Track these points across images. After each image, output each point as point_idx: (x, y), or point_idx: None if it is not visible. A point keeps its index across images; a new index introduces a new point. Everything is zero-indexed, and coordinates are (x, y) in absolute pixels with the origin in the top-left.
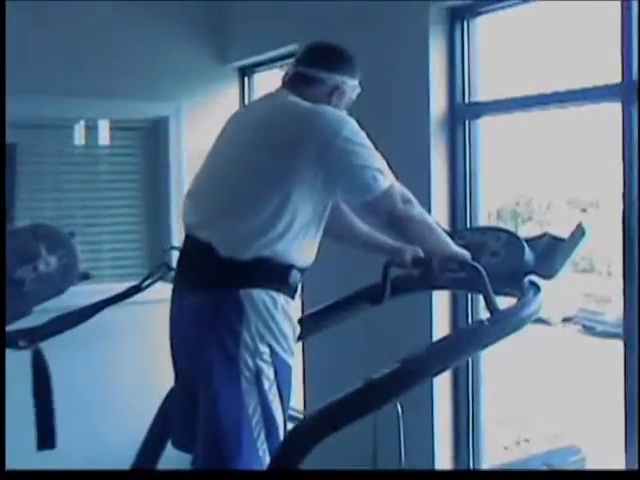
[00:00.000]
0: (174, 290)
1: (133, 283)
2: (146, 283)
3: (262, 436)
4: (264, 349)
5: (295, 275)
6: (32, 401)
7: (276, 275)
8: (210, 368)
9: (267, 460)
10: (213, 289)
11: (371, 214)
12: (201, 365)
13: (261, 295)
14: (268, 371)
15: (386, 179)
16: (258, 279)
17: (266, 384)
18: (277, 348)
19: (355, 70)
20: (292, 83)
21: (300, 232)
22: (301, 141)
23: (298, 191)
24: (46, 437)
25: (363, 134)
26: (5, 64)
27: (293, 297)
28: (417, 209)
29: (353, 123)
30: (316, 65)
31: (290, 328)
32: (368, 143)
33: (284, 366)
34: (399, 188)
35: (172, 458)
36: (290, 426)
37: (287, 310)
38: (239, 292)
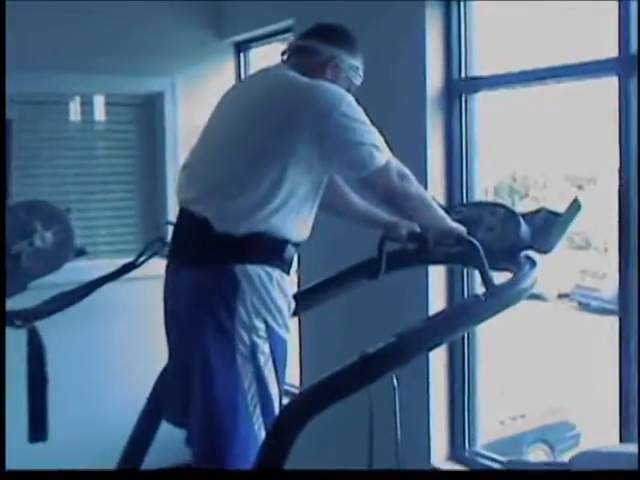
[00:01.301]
0: (168, 266)
1: (129, 259)
2: (141, 259)
3: (258, 411)
4: (260, 324)
5: (290, 250)
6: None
7: (271, 250)
8: (205, 344)
9: (263, 435)
10: (208, 265)
11: (367, 190)
12: (197, 341)
13: (257, 270)
14: (264, 346)
15: (382, 155)
16: (253, 254)
17: (261, 359)
18: (272, 323)
19: (355, 49)
20: (289, 57)
21: (296, 207)
22: (297, 116)
23: (294, 166)
24: (38, 429)
25: (360, 110)
26: (5, 61)
27: (288, 272)
28: (414, 185)
29: (350, 98)
30: (314, 38)
31: (285, 303)
32: (365, 119)
33: (280, 341)
34: (396, 164)
35: (166, 434)
36: (286, 401)
37: (282, 285)
38: (234, 267)
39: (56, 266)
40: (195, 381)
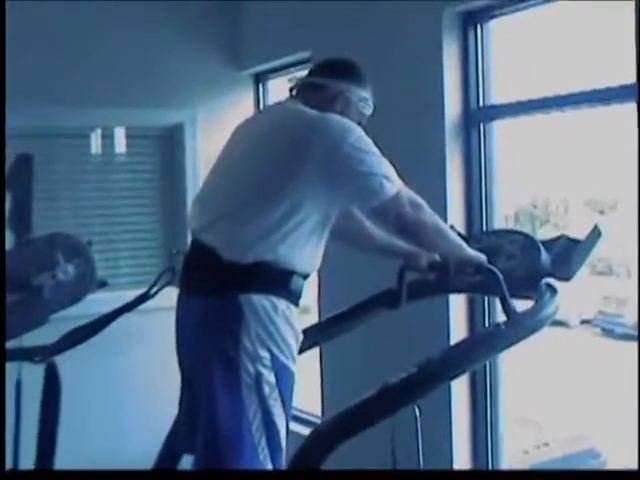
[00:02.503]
0: (179, 295)
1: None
2: (153, 290)
3: (263, 441)
4: (264, 354)
5: (297, 281)
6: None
7: (277, 280)
8: (210, 373)
9: (268, 464)
10: (213, 294)
11: (380, 220)
12: (202, 370)
13: (261, 300)
14: (269, 376)
15: (393, 185)
16: (258, 284)
17: (266, 389)
18: (278, 353)
19: (363, 81)
20: (299, 92)
21: (303, 237)
22: (306, 147)
23: (302, 197)
24: (45, 461)
25: (369, 141)
26: (5, 66)
27: (296, 304)
28: (427, 214)
29: (359, 130)
30: (322, 74)
31: (292, 335)
32: (374, 149)
33: (285, 371)
34: (407, 193)
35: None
36: (305, 430)
37: (288, 316)
38: (239, 297)
39: (78, 298)
40: (201, 410)
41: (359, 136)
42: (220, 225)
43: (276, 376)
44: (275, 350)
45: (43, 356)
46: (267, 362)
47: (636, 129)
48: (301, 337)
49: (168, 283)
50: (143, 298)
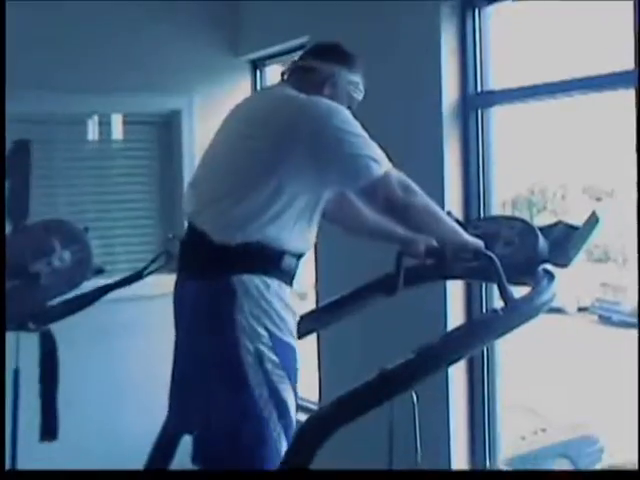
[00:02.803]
0: (176, 279)
1: (147, 277)
2: (147, 270)
3: (274, 418)
4: (262, 332)
5: (289, 261)
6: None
7: (268, 260)
8: (211, 356)
9: (283, 441)
10: (206, 277)
11: (369, 202)
12: (202, 353)
13: (253, 280)
14: (269, 353)
15: (380, 166)
16: (250, 264)
17: (269, 366)
18: (275, 330)
19: (353, 65)
20: (289, 76)
21: (292, 218)
22: (292, 129)
23: (290, 178)
24: (48, 429)
25: (355, 122)
26: (5, 65)
27: (289, 283)
28: (418, 197)
29: (345, 112)
30: (312, 57)
31: (288, 312)
32: (360, 131)
33: (285, 347)
34: (396, 175)
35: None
36: (303, 417)
37: (281, 295)
38: (231, 278)
39: (74, 285)
40: (202, 392)
41: (345, 118)
42: (210, 208)
43: (277, 353)
44: (272, 327)
45: (38, 324)
46: (266, 340)
47: (634, 115)
48: (297, 315)
49: (162, 266)
50: (136, 277)
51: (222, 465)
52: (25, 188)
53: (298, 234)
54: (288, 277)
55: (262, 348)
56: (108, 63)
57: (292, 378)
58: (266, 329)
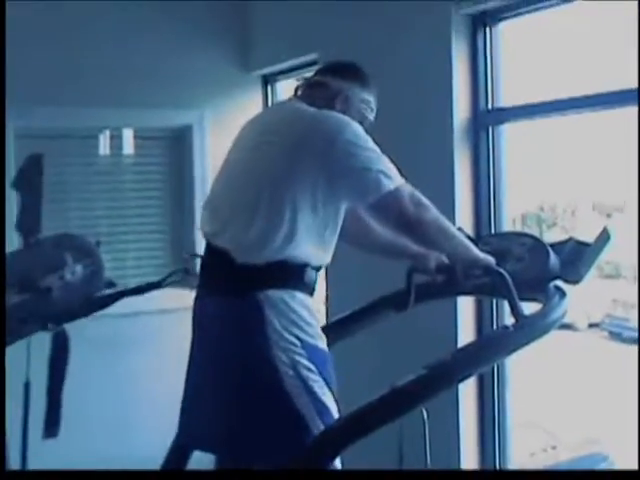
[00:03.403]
0: (196, 298)
1: (157, 291)
2: (166, 282)
3: (319, 424)
4: (294, 341)
5: (310, 273)
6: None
7: (291, 275)
8: (245, 372)
9: None
10: (232, 295)
11: (380, 217)
12: (232, 370)
13: (279, 294)
14: (304, 361)
15: (391, 181)
16: (274, 280)
17: (305, 373)
18: (305, 337)
19: (367, 84)
20: (302, 91)
21: (311, 234)
22: (303, 143)
23: (303, 194)
24: (51, 426)
25: (366, 137)
26: (5, 66)
27: (311, 295)
28: (430, 212)
29: (355, 126)
30: (325, 74)
31: (312, 317)
32: (371, 146)
33: (317, 352)
34: (408, 190)
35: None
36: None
37: (306, 303)
38: (257, 294)
39: (86, 299)
40: (238, 409)
41: (356, 131)
42: (229, 229)
43: (311, 359)
44: (302, 335)
45: (55, 324)
46: (298, 348)
47: (637, 134)
48: (318, 321)
49: (177, 282)
50: (153, 285)
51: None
52: (37, 203)
53: (318, 248)
54: (310, 289)
55: (296, 357)
56: (120, 78)
57: (329, 380)
58: (297, 338)
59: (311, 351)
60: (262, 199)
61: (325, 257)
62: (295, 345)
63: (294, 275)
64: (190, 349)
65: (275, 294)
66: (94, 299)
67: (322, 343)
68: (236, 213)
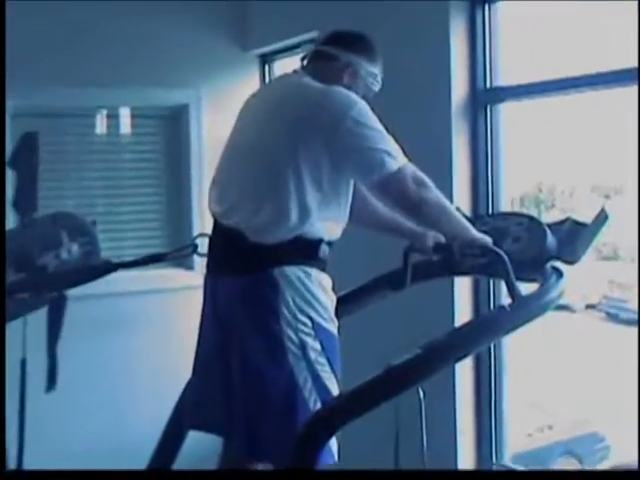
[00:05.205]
0: (207, 276)
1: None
2: (170, 255)
3: (318, 407)
4: (305, 320)
5: (324, 248)
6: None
7: (306, 250)
8: (253, 349)
9: None
10: (247, 272)
11: (382, 196)
12: (243, 347)
13: (294, 271)
14: (313, 343)
15: (395, 161)
16: (289, 256)
17: (312, 355)
18: (318, 319)
19: (374, 56)
20: (307, 63)
21: (323, 210)
22: (309, 121)
23: (310, 171)
24: (50, 380)
25: (372, 116)
26: (5, 64)
27: (324, 270)
28: (432, 192)
29: (362, 104)
30: (332, 44)
31: (327, 298)
32: (377, 125)
33: (328, 335)
34: (411, 170)
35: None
36: None
37: (322, 281)
38: (273, 271)
39: (82, 277)
40: (244, 386)
41: (362, 110)
42: (239, 209)
43: (320, 341)
44: (315, 316)
45: (56, 290)
46: (309, 329)
47: (637, 114)
48: (334, 298)
49: (185, 255)
50: (159, 257)
51: (268, 457)
52: (33, 181)
53: (329, 223)
54: (324, 264)
55: (305, 337)
56: (116, 57)
57: (334, 365)
58: (309, 318)
59: (321, 333)
60: (269, 177)
61: (338, 231)
62: (306, 325)
63: (309, 251)
64: (200, 327)
65: (291, 270)
66: (96, 267)
67: (333, 327)
68: (245, 193)
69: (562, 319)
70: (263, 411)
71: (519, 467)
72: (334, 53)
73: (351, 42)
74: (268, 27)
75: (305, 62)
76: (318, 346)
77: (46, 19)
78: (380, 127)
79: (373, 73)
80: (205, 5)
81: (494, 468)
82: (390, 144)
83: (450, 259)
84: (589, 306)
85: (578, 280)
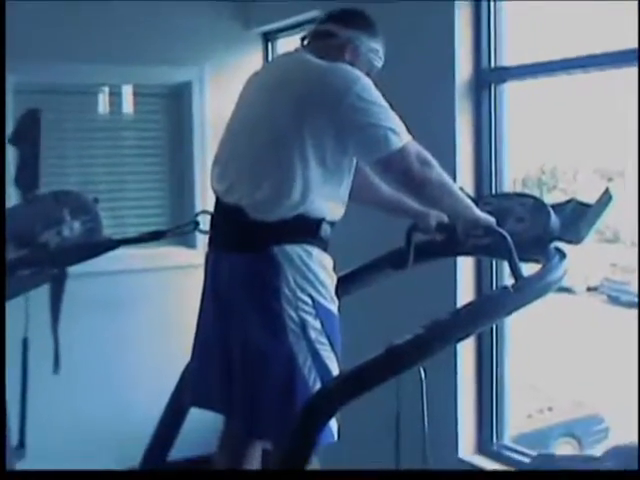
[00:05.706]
0: (208, 253)
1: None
2: (171, 232)
3: (318, 385)
4: (306, 299)
5: (326, 228)
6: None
7: (308, 229)
8: (254, 327)
9: None
10: (248, 250)
11: (385, 174)
12: (243, 325)
13: (295, 249)
14: (313, 322)
15: (399, 138)
16: (291, 235)
17: (313, 334)
18: (318, 297)
19: (374, 32)
20: (309, 41)
21: (324, 188)
22: (312, 98)
23: (314, 148)
24: (56, 361)
25: (376, 92)
26: (5, 63)
27: (325, 250)
28: (435, 171)
29: (365, 80)
30: (332, 21)
31: (328, 277)
32: (381, 101)
33: (328, 314)
34: (415, 148)
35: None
36: None
37: (322, 261)
38: (273, 249)
39: (84, 255)
40: (244, 362)
41: (365, 87)
42: (241, 186)
43: (320, 320)
44: (315, 295)
45: (57, 267)
46: (309, 308)
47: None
48: (335, 279)
49: (186, 232)
50: (160, 234)
51: (267, 436)
52: (35, 158)
53: (332, 202)
54: (325, 244)
55: (305, 316)
56: (119, 34)
57: (335, 344)
58: (310, 297)
59: (322, 312)
60: (272, 155)
61: (340, 211)
62: (307, 304)
63: (310, 230)
64: (200, 304)
65: (291, 249)
66: (98, 244)
67: (334, 306)
68: (246, 170)
69: (563, 301)
70: (262, 389)
71: (520, 448)
72: (334, 30)
73: (350, 19)
74: (271, 5)
75: (306, 42)
76: (318, 325)
77: None
78: (384, 103)
79: (374, 49)
80: None
81: (495, 449)
82: (394, 121)
83: (453, 239)
84: (590, 288)
85: (579, 263)
